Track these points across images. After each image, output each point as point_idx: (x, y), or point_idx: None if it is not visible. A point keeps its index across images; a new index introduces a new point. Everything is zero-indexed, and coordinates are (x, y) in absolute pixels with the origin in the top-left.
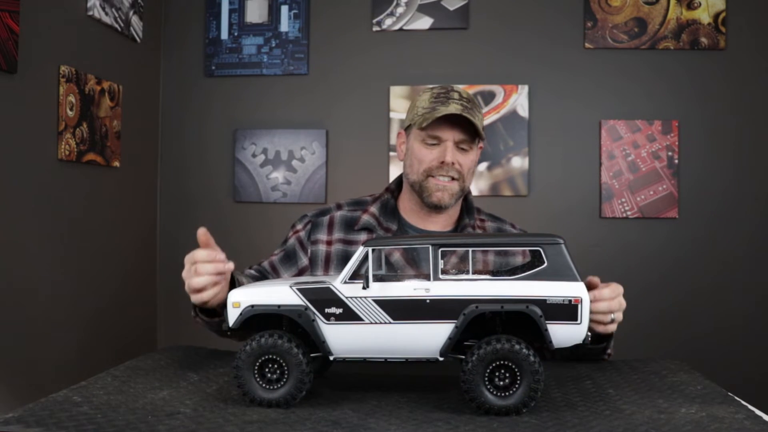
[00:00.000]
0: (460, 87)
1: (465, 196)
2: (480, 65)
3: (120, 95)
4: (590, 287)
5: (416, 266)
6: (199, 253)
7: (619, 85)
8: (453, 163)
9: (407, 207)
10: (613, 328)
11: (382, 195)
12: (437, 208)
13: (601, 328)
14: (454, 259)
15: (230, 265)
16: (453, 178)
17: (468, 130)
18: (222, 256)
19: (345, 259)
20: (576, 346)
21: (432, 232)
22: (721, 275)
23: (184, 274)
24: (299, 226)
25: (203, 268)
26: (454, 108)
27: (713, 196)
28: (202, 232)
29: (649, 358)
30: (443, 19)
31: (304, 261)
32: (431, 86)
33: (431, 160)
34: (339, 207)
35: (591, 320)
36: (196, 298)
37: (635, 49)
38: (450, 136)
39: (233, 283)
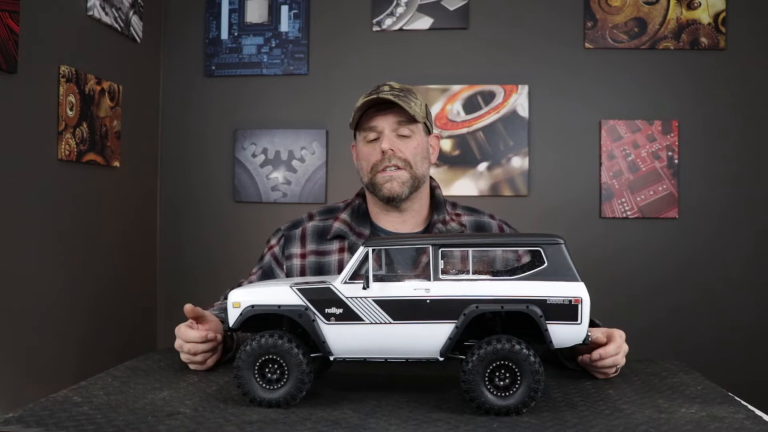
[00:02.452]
0: (392, 82)
1: (432, 193)
2: (480, 65)
3: (120, 95)
4: (595, 345)
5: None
6: (190, 335)
7: (619, 85)
8: (393, 151)
9: (374, 211)
10: (614, 374)
11: (353, 201)
12: (392, 201)
13: (602, 376)
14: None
15: (220, 338)
16: (398, 167)
17: (402, 114)
18: (212, 334)
19: (319, 271)
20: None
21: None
22: (721, 275)
23: (177, 347)
24: (273, 241)
25: (197, 347)
26: (373, 96)
27: (713, 196)
28: (188, 309)
29: (649, 358)
30: (443, 19)
31: (282, 277)
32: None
33: (375, 154)
34: (311, 217)
35: (595, 371)
36: (194, 367)
37: (635, 49)
38: (384, 123)
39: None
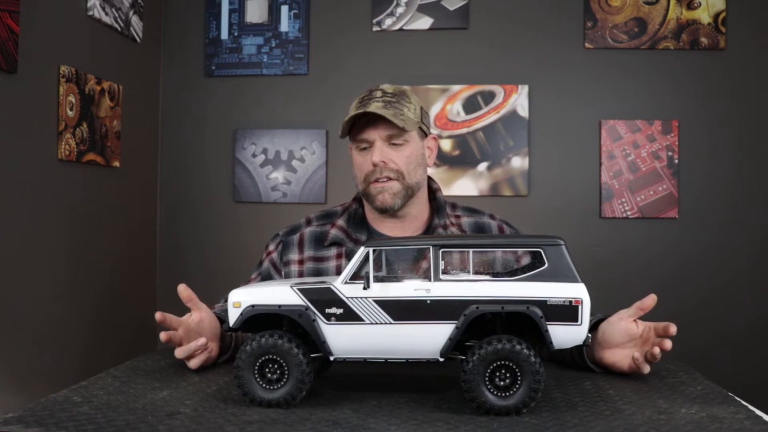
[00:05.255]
0: (386, 85)
1: (434, 196)
2: (480, 65)
3: (120, 95)
4: (647, 310)
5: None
6: (177, 353)
7: (619, 85)
8: (385, 162)
9: (372, 216)
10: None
11: (350, 205)
12: (386, 212)
13: (645, 366)
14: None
15: (201, 341)
16: (389, 178)
17: (392, 125)
18: (202, 341)
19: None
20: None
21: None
22: (722, 275)
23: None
24: (271, 247)
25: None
26: (374, 107)
27: (713, 196)
28: (182, 288)
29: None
30: (443, 19)
31: None
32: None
33: (367, 165)
34: (308, 222)
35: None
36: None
37: (635, 49)
38: (375, 135)
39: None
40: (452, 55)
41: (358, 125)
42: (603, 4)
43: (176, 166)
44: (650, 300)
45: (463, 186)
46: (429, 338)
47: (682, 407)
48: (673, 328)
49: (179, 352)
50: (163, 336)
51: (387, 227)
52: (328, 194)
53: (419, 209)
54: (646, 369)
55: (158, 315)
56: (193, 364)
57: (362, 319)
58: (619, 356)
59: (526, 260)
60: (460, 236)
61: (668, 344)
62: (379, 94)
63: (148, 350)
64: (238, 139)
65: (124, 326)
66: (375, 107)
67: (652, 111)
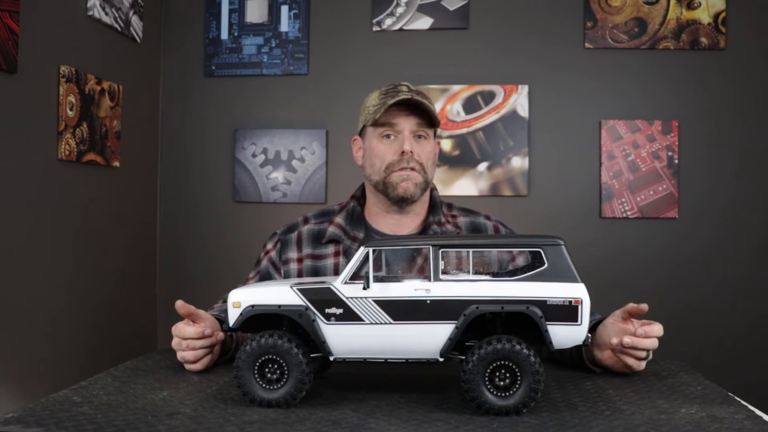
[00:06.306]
0: (407, 83)
1: (430, 194)
2: (480, 65)
3: (120, 95)
4: (636, 313)
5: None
6: (187, 331)
7: (619, 85)
8: (412, 152)
9: (373, 212)
10: (641, 366)
11: (348, 203)
12: (404, 201)
13: (633, 363)
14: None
15: (220, 336)
16: (413, 169)
17: (423, 117)
18: (210, 330)
19: (315, 275)
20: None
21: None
22: (721, 275)
23: (174, 345)
24: (269, 246)
25: (195, 344)
26: (404, 96)
27: (713, 196)
28: (180, 305)
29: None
30: (443, 19)
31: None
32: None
33: (392, 153)
34: (306, 221)
35: (627, 353)
36: (189, 368)
37: (635, 49)
38: (405, 124)
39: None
40: (452, 55)
41: (387, 112)
42: (603, 4)
43: (176, 166)
44: (642, 307)
45: (463, 186)
46: (429, 338)
47: (682, 407)
48: (655, 329)
49: (194, 352)
50: (179, 302)
51: (387, 224)
52: (328, 194)
53: (422, 207)
54: (630, 352)
55: (179, 303)
56: (196, 367)
57: (362, 319)
58: (616, 358)
59: (521, 259)
60: (460, 236)
61: (645, 342)
62: (405, 88)
63: (148, 350)
64: (238, 139)
65: (124, 326)
66: (415, 98)
67: (652, 111)
